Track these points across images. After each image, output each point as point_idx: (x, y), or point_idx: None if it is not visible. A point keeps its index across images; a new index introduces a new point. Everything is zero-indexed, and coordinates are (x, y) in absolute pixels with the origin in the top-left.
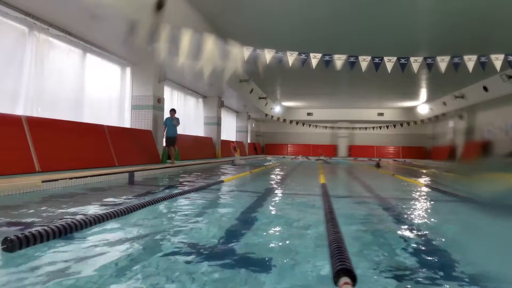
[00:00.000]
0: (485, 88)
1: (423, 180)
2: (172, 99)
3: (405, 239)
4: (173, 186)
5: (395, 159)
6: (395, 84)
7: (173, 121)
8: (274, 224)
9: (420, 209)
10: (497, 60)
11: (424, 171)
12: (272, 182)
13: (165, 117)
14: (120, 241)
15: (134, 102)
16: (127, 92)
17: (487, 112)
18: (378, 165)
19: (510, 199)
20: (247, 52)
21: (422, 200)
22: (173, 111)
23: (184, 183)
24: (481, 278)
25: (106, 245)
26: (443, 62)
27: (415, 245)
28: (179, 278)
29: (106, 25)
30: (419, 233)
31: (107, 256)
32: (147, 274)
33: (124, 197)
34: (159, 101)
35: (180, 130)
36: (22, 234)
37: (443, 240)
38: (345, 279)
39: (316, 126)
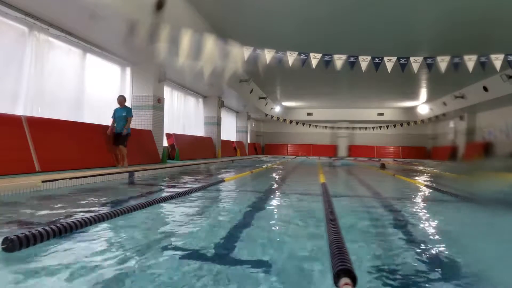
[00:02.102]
0: (485, 88)
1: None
2: (172, 99)
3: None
4: (173, 186)
5: (395, 159)
6: (395, 84)
7: (123, 111)
8: (273, 223)
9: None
10: (497, 60)
11: (434, 172)
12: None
13: (164, 116)
14: (120, 241)
15: (134, 102)
16: (127, 92)
17: (487, 112)
18: (383, 166)
19: (508, 197)
20: (247, 52)
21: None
22: (121, 97)
23: (184, 182)
24: (481, 277)
25: (106, 245)
26: (443, 62)
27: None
28: (179, 278)
29: (106, 25)
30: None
31: (107, 256)
32: (147, 274)
33: (124, 197)
34: (159, 101)
35: (180, 129)
36: (22, 234)
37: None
38: (345, 280)
39: (316, 126)
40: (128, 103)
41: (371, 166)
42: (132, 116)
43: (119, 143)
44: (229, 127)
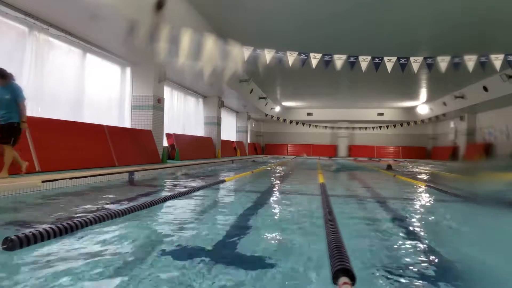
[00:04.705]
0: (485, 88)
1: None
2: (172, 99)
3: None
4: (173, 186)
5: (395, 159)
6: (395, 84)
7: (5, 93)
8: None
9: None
10: (497, 60)
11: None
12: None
13: (164, 116)
14: (120, 242)
15: (134, 102)
16: (127, 92)
17: (487, 112)
18: (389, 167)
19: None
20: (247, 52)
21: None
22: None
23: (184, 182)
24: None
25: (105, 245)
26: (443, 62)
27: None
28: (178, 280)
29: (106, 25)
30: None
31: (106, 256)
32: (147, 275)
33: (124, 197)
34: (159, 101)
35: (180, 129)
36: (22, 234)
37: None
38: (344, 279)
39: (316, 126)
40: (127, 103)
41: (377, 168)
42: (24, 99)
43: (4, 138)
44: (229, 127)
